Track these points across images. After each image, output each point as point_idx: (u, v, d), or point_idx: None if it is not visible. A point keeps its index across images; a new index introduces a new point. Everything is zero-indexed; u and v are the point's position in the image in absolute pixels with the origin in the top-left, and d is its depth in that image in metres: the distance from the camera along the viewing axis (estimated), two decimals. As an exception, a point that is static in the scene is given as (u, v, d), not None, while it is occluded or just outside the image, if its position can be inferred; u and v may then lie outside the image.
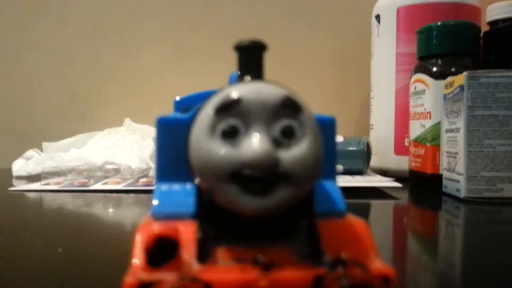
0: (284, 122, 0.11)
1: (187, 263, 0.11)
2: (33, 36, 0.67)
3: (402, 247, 0.25)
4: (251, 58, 0.13)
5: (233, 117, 0.11)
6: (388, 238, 0.26)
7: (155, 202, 0.13)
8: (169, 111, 0.19)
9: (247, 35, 0.14)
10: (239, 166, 0.11)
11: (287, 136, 0.11)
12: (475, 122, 0.34)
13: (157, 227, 0.11)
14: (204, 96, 0.12)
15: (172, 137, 0.13)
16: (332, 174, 0.14)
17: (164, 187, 0.13)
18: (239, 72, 0.13)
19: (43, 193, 0.40)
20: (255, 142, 0.11)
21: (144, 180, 0.43)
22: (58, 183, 0.42)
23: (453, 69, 0.39)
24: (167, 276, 0.10)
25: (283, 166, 0.11)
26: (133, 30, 0.67)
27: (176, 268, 0.11)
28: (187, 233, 0.11)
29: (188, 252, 0.11)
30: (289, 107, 0.11)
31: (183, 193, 0.13)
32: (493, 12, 0.52)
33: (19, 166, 0.51)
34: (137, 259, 0.11)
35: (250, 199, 0.11)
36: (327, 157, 0.13)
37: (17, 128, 0.67)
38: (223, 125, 0.11)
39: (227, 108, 0.11)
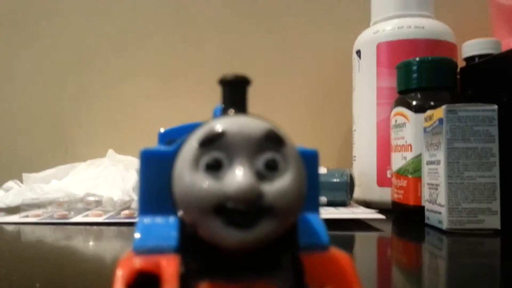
0: (267, 155, 0.11)
1: (169, 299, 0.11)
2: (17, 67, 0.67)
3: (386, 279, 0.25)
4: (235, 92, 0.13)
5: (217, 150, 0.11)
6: (372, 271, 0.26)
7: (137, 235, 0.12)
8: (153, 143, 0.19)
9: (231, 69, 0.14)
10: (222, 199, 0.11)
11: (270, 169, 0.11)
12: (455, 154, 0.35)
13: (138, 262, 0.11)
14: (189, 129, 0.12)
15: (156, 170, 0.13)
16: (315, 207, 0.14)
17: (147, 220, 0.13)
18: (223, 106, 0.13)
19: (21, 226, 0.39)
20: (238, 175, 0.11)
21: (126, 212, 0.42)
22: (38, 215, 0.42)
23: (432, 103, 0.40)
24: (148, 312, 0.10)
25: (267, 199, 0.11)
26: (117, 62, 0.67)
27: (158, 303, 0.10)
28: (170, 268, 0.11)
29: (171, 287, 0.11)
30: (272, 140, 0.12)
31: (165, 227, 0.13)
32: (468, 49, 0.54)
33: (-3, 198, 0.50)
34: (118, 294, 0.11)
35: (233, 232, 0.11)
36: (310, 190, 0.13)
37: (-3, 159, 0.65)
38: (207, 158, 0.11)
39: (211, 141, 0.11)
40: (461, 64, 0.47)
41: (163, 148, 0.14)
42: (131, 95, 0.67)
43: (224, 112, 0.13)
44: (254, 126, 0.12)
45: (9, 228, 0.38)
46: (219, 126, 0.11)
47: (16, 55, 0.67)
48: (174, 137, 0.18)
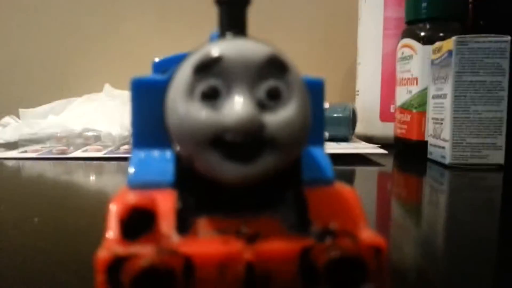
0: (269, 83, 0.10)
1: (165, 236, 0.10)
2: (11, 2, 0.64)
3: (387, 214, 0.25)
4: (233, 13, 0.12)
5: (214, 77, 0.10)
6: (373, 205, 0.26)
7: (131, 170, 0.12)
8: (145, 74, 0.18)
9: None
10: (220, 131, 0.10)
11: (273, 98, 0.10)
12: (462, 88, 0.34)
13: (132, 197, 0.10)
14: (185, 57, 0.11)
15: (148, 100, 0.12)
16: (320, 140, 0.13)
17: (141, 154, 0.12)
18: (219, 29, 0.12)
19: (20, 161, 0.38)
20: (237, 105, 0.10)
21: (125, 147, 0.42)
22: (36, 151, 0.41)
23: (441, 34, 0.39)
24: (143, 249, 0.09)
25: (268, 130, 0.10)
26: (111, -8, 0.64)
27: (154, 240, 0.10)
28: (166, 203, 0.11)
29: (167, 224, 0.10)
30: (275, 66, 0.10)
31: (161, 161, 0.12)
32: (482, -24, 0.51)
33: (-5, 134, 0.49)
34: (112, 231, 0.10)
35: (232, 167, 0.10)
36: (315, 122, 0.12)
37: (-7, 95, 0.64)
38: (202, 86, 0.10)
39: (207, 67, 0.10)
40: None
41: (155, 76, 0.13)
42: (125, 27, 0.64)
43: (221, 35, 0.12)
44: (255, 50, 0.10)
45: (9, 163, 0.38)
46: (215, 50, 0.10)
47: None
48: (169, 67, 0.17)
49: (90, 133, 0.46)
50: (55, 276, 0.15)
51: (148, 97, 0.12)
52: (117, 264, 0.09)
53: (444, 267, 0.16)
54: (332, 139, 0.44)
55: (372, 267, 0.10)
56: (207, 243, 0.10)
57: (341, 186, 0.12)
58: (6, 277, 0.15)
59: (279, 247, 0.10)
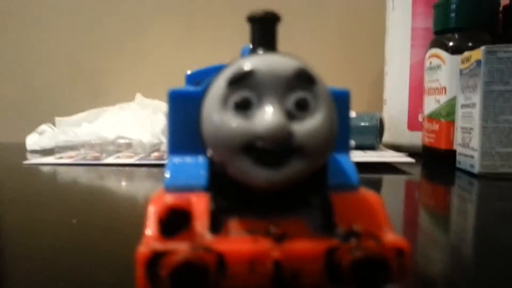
0: (298, 95, 0.11)
1: (199, 234, 0.11)
2: (43, 12, 0.67)
3: (414, 222, 0.25)
4: (264, 30, 0.13)
5: (246, 89, 0.11)
6: (400, 213, 0.26)
7: (167, 174, 0.13)
8: (180, 86, 0.19)
9: (259, 6, 0.13)
10: (252, 139, 0.11)
11: (301, 109, 0.11)
12: (492, 97, 0.34)
13: (170, 199, 0.11)
14: (216, 70, 0.12)
15: (184, 110, 0.13)
16: (345, 148, 0.14)
17: (176, 159, 0.13)
18: (251, 45, 0.13)
19: (57, 167, 0.40)
20: (268, 114, 0.11)
21: (156, 154, 0.43)
22: (71, 157, 0.43)
23: (470, 44, 0.38)
24: (180, 246, 0.10)
25: (297, 138, 0.11)
26: (144, 3, 0.66)
27: (189, 239, 0.11)
28: (200, 204, 0.11)
29: (201, 223, 0.11)
30: (303, 79, 0.11)
31: (195, 166, 0.13)
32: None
33: (33, 141, 0.51)
34: (150, 229, 0.11)
35: (262, 172, 0.11)
36: (341, 131, 0.12)
37: (30, 104, 0.67)
38: (235, 97, 0.11)
39: (240, 80, 0.11)
40: (504, 2, 0.44)
41: (191, 88, 0.14)
42: (157, 39, 0.66)
43: (252, 51, 0.13)
44: (284, 64, 0.11)
45: (45, 169, 0.40)
46: (248, 64, 0.11)
47: (44, 1, 0.66)
48: (201, 79, 0.18)
49: (122, 141, 0.48)
50: (95, 275, 0.15)
51: (183, 107, 0.13)
52: (155, 259, 0.10)
53: (471, 276, 0.16)
54: (360, 147, 0.45)
55: (395, 268, 0.10)
56: (238, 242, 0.11)
57: (365, 192, 0.12)
58: (47, 277, 0.15)
59: (305, 246, 0.10)
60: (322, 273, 0.10)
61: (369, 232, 0.11)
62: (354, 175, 0.13)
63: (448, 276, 0.16)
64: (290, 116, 0.11)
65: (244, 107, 0.11)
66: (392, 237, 0.11)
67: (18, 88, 0.67)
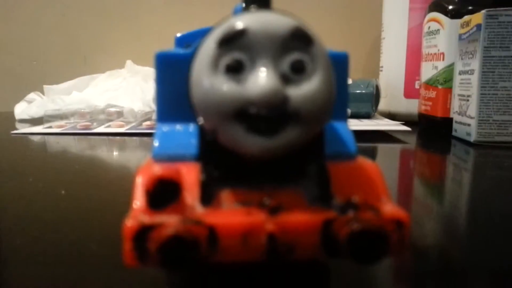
0: (293, 56, 0.10)
1: (190, 206, 0.10)
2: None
3: (409, 191, 0.25)
4: (257, -14, 0.12)
5: (238, 51, 0.10)
6: (395, 182, 0.26)
7: (155, 143, 0.12)
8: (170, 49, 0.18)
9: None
10: (244, 104, 0.10)
11: (297, 72, 0.10)
12: (491, 63, 0.33)
13: (158, 169, 0.10)
14: (208, 32, 0.11)
15: (173, 74, 0.12)
16: (343, 115, 0.13)
17: (165, 128, 0.12)
18: (244, 3, 0.12)
19: (46, 136, 0.39)
20: (262, 78, 0.10)
21: (147, 123, 0.42)
22: (61, 126, 0.42)
23: (470, 7, 0.37)
24: (169, 218, 0.10)
25: (292, 104, 0.10)
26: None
27: (179, 211, 0.10)
28: (190, 175, 0.11)
29: (191, 195, 0.10)
30: (300, 39, 0.10)
31: (185, 134, 0.12)
32: None
33: (21, 110, 0.50)
34: (138, 201, 0.10)
35: (256, 139, 0.10)
36: (339, 97, 0.12)
37: (18, 72, 0.65)
38: (226, 59, 0.10)
39: (231, 40, 0.10)
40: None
41: (179, 50, 0.13)
42: (147, 3, 0.64)
43: (245, 8, 0.12)
44: (279, 23, 0.10)
45: (35, 138, 0.39)
46: (239, 23, 0.10)
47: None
48: (192, 41, 0.17)
49: (112, 109, 0.47)
50: (84, 246, 0.15)
51: (172, 71, 0.12)
52: (143, 232, 0.10)
53: (466, 244, 0.16)
54: (355, 115, 0.44)
55: (394, 240, 0.10)
56: (230, 214, 0.10)
57: (363, 161, 0.12)
58: (35, 247, 0.15)
59: (301, 219, 0.10)
60: (318, 246, 0.10)
61: (367, 203, 0.10)
62: (351, 143, 0.12)
63: (443, 245, 0.16)
64: (285, 79, 0.10)
65: (236, 69, 0.10)
66: (391, 208, 0.10)
67: (6, 56, 0.66)
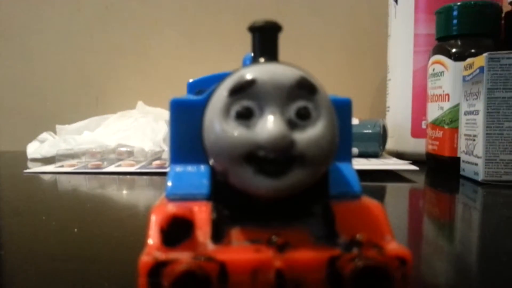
0: (299, 104, 0.11)
1: (202, 243, 0.11)
2: (44, 20, 0.67)
3: (418, 230, 0.25)
4: (265, 39, 0.13)
5: (247, 99, 0.11)
6: (404, 221, 0.26)
7: (169, 183, 0.13)
8: (182, 94, 0.19)
9: (261, 16, 0.13)
10: (253, 148, 0.11)
11: (302, 118, 0.11)
12: (495, 104, 0.34)
13: (172, 208, 0.11)
14: (218, 78, 0.12)
15: (186, 119, 0.13)
16: (347, 156, 0.14)
17: (178, 168, 0.13)
18: (253, 54, 0.13)
19: (57, 175, 0.40)
20: (270, 124, 0.11)
21: (157, 162, 0.43)
22: (72, 165, 0.43)
23: (473, 50, 0.38)
24: (182, 255, 0.10)
25: (298, 147, 0.11)
26: (145, 12, 0.66)
27: (191, 248, 0.11)
28: (202, 213, 0.11)
29: (203, 233, 0.11)
30: (304, 88, 0.11)
31: (197, 175, 0.13)
32: (515, -9, 0.50)
33: (33, 149, 0.51)
34: (152, 239, 0.11)
35: (264, 181, 0.11)
36: (343, 139, 0.12)
37: (31, 111, 0.67)
38: (237, 106, 0.11)
39: (241, 89, 0.11)
40: (506, 8, 0.44)
41: (193, 97, 0.14)
42: (159, 46, 0.66)
43: (254, 60, 0.13)
44: (285, 74, 0.11)
45: (46, 177, 0.40)
46: (249, 74, 0.11)
47: (43, 6, 0.67)
48: (203, 87, 0.18)
49: (123, 149, 0.48)
50: (96, 285, 0.15)
51: (185, 116, 0.13)
52: (158, 268, 0.10)
53: (476, 285, 0.16)
54: (363, 155, 0.44)
55: (397, 277, 0.10)
56: (240, 251, 0.11)
57: (367, 200, 0.12)
58: (50, 284, 0.15)
59: (307, 256, 0.10)
60: (324, 282, 0.10)
61: (371, 241, 0.11)
62: (356, 183, 0.13)
63: (452, 285, 0.16)
64: (292, 125, 0.11)
65: (245, 116, 0.11)
66: (394, 246, 0.11)
67: (19, 95, 0.67)
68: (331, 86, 0.12)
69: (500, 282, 0.16)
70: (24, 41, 0.67)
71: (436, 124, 0.41)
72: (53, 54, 0.67)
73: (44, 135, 0.54)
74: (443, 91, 0.40)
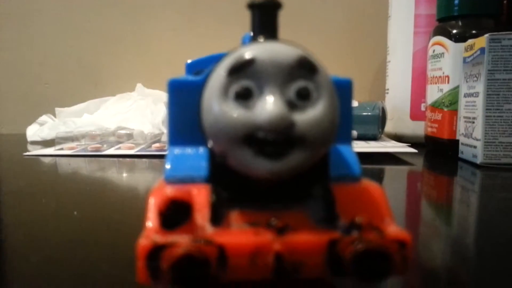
0: (299, 84, 0.11)
1: (200, 226, 0.11)
2: (43, 4, 0.66)
3: (416, 212, 0.25)
4: (265, 17, 0.12)
5: (246, 79, 0.11)
6: (402, 204, 0.26)
7: (167, 166, 0.12)
8: (181, 75, 0.19)
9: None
10: (253, 129, 0.10)
11: (302, 98, 0.11)
12: (495, 86, 0.33)
13: (170, 190, 0.11)
14: (216, 59, 0.12)
15: (184, 100, 0.13)
16: (347, 138, 0.14)
17: (177, 151, 0.13)
18: (252, 32, 0.13)
19: (57, 158, 0.40)
20: (269, 104, 0.10)
21: (156, 145, 0.43)
22: (72, 148, 0.43)
23: (473, 31, 0.38)
24: (180, 238, 0.10)
25: (298, 129, 0.10)
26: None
27: (190, 231, 0.10)
28: (200, 196, 0.11)
29: (202, 216, 0.11)
30: (305, 67, 0.11)
31: (196, 157, 0.13)
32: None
33: (33, 132, 0.51)
34: (151, 222, 0.11)
35: (264, 162, 0.10)
36: (343, 121, 0.12)
37: (30, 94, 0.67)
38: (236, 86, 0.11)
39: (240, 69, 0.11)
40: (508, -12, 0.43)
41: (191, 78, 0.14)
42: (157, 27, 0.65)
43: (253, 38, 0.12)
44: (285, 53, 0.11)
45: (46, 160, 0.40)
46: (248, 53, 0.11)
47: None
48: (201, 68, 0.18)
49: (123, 131, 0.48)
50: (96, 267, 0.15)
51: (183, 97, 0.13)
52: (156, 252, 0.10)
53: (474, 267, 0.16)
54: (361, 137, 0.44)
55: (397, 260, 0.10)
56: (239, 234, 0.11)
57: (367, 183, 0.12)
58: (48, 269, 0.16)
59: (307, 239, 0.10)
60: (323, 265, 0.10)
61: (371, 224, 0.11)
62: (356, 166, 0.13)
63: (451, 267, 0.16)
64: (291, 105, 0.11)
65: (244, 96, 0.11)
66: (394, 229, 0.11)
67: (18, 79, 0.67)
68: (331, 68, 0.12)
69: (497, 265, 0.16)
70: (22, 25, 0.66)
71: (435, 106, 0.41)
72: (52, 37, 0.66)
73: (44, 117, 0.54)
74: (443, 73, 0.40)
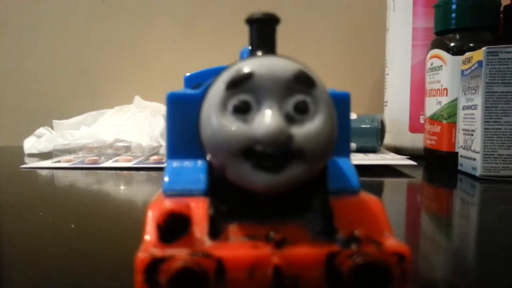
0: (297, 98, 0.11)
1: (199, 240, 0.11)
2: (41, 14, 0.67)
3: (416, 225, 0.25)
4: (263, 32, 0.12)
5: (245, 93, 0.11)
6: (402, 216, 0.26)
7: (166, 178, 0.12)
8: (179, 88, 0.19)
9: (259, 8, 0.13)
10: (251, 142, 0.10)
11: (300, 112, 0.11)
12: (493, 98, 0.33)
13: (168, 204, 0.11)
14: (215, 72, 0.12)
15: (183, 113, 0.13)
16: (346, 151, 0.14)
17: (175, 164, 0.13)
18: (250, 47, 0.13)
19: (54, 170, 0.40)
20: (267, 118, 0.10)
21: (154, 157, 0.43)
22: (69, 161, 0.43)
23: (471, 44, 0.38)
24: (179, 252, 0.10)
25: (296, 142, 0.11)
26: (141, 5, 0.66)
27: (188, 244, 0.10)
28: (199, 209, 0.11)
29: (200, 229, 0.11)
30: (303, 82, 0.11)
31: (194, 170, 0.13)
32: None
33: (30, 144, 0.51)
34: (149, 235, 0.11)
35: (262, 176, 0.10)
36: (341, 134, 0.12)
37: (28, 107, 0.67)
38: (234, 100, 0.11)
39: (239, 83, 0.11)
40: (505, 1, 0.44)
41: (189, 91, 0.14)
42: (156, 40, 0.66)
43: (251, 53, 0.12)
44: (283, 67, 0.11)
45: (43, 172, 0.40)
46: (246, 67, 0.11)
47: (40, 1, 0.66)
48: (200, 81, 0.18)
49: (120, 144, 0.48)
50: (93, 280, 0.15)
51: (182, 111, 0.13)
52: (154, 265, 0.10)
53: (473, 280, 0.16)
54: (360, 150, 0.44)
55: (396, 274, 0.10)
56: (238, 247, 0.11)
57: (366, 196, 0.12)
58: (45, 282, 0.15)
59: (305, 252, 0.10)
60: (322, 279, 0.10)
61: (369, 237, 0.11)
62: (354, 178, 0.13)
63: (450, 280, 0.16)
64: (290, 119, 0.11)
65: (243, 110, 0.11)
66: (393, 242, 0.11)
67: (16, 91, 0.67)
68: (330, 80, 0.12)
69: (498, 277, 0.16)
70: (20, 35, 0.67)
71: (434, 119, 0.41)
72: (50, 48, 0.67)
73: (41, 130, 0.54)
74: (441, 86, 0.40)
